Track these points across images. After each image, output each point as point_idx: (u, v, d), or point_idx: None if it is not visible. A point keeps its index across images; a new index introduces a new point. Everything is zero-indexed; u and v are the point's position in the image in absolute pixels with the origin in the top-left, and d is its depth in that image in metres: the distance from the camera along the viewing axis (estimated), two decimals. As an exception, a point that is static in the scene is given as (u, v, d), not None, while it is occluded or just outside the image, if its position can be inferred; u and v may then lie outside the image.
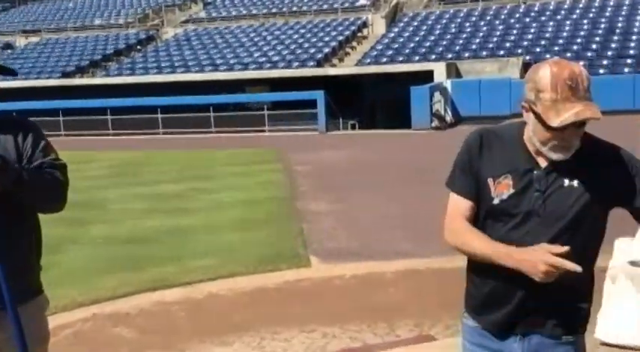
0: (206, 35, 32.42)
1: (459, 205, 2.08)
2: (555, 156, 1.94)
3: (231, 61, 28.35)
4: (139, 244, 7.98)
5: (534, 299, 2.01)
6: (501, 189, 2.00)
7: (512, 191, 1.99)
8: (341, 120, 23.77)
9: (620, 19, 25.62)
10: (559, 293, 2.01)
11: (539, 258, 1.86)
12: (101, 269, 6.92)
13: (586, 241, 2.01)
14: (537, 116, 1.91)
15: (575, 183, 1.97)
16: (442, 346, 4.47)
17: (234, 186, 12.17)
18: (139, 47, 32.90)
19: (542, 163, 2.00)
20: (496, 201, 2.01)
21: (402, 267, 6.61)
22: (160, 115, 24.44)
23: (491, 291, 2.07)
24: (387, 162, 14.63)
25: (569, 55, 23.18)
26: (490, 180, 2.02)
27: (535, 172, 1.99)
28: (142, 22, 36.13)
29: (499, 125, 2.17)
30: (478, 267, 2.09)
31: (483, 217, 2.06)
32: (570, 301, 2.06)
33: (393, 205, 9.77)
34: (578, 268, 1.83)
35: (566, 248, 1.86)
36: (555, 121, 1.85)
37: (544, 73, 1.88)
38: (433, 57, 25.36)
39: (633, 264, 5.31)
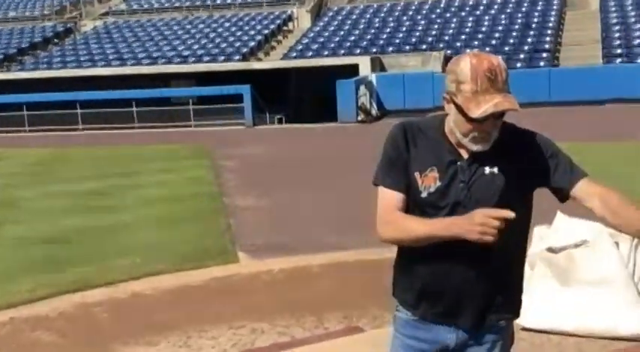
0: (127, 28, 31.59)
1: (391, 199, 2.07)
2: (475, 148, 1.98)
3: (155, 55, 27.75)
4: (59, 244, 7.69)
5: (470, 290, 2.05)
6: (428, 183, 2.03)
7: (438, 184, 2.02)
8: (268, 114, 23.66)
9: (536, 14, 26.54)
10: (493, 282, 2.07)
11: (473, 219, 1.87)
12: (18, 271, 6.62)
13: (514, 227, 2.04)
14: (458, 107, 1.94)
15: (496, 170, 2.01)
16: (370, 337, 4.51)
17: (160, 182, 11.91)
18: (56, 40, 31.71)
19: (465, 154, 2.04)
20: (424, 195, 2.03)
21: (329, 260, 6.63)
22: (79, 110, 23.65)
23: (428, 285, 2.09)
24: (314, 155, 14.66)
25: (488, 49, 23.83)
26: (417, 174, 2.04)
27: (459, 163, 2.03)
28: (59, 15, 34.82)
29: (421, 118, 2.19)
30: (412, 262, 2.11)
31: (411, 211, 2.07)
32: (504, 288, 2.11)
33: (321, 198, 9.79)
34: (511, 214, 1.85)
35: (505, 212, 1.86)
36: (476, 112, 1.88)
37: (464, 65, 1.91)
38: (358, 51, 25.60)
39: (550, 250, 5.51)
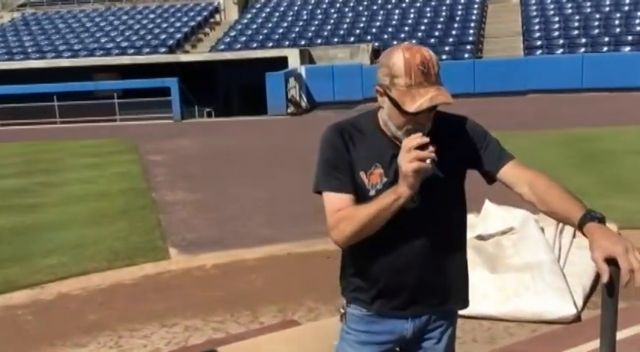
0: (46, 20, 30.47)
1: (340, 201, 2.02)
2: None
3: (76, 47, 26.88)
4: (-21, 245, 7.35)
5: (424, 282, 2.08)
6: (374, 180, 2.03)
7: (385, 180, 2.02)
8: (196, 107, 23.30)
9: (460, 7, 27.11)
10: (444, 272, 2.11)
11: (403, 155, 1.85)
12: None
13: (458, 214, 2.11)
14: (393, 101, 1.93)
15: (435, 157, 2.02)
16: (306, 330, 4.50)
17: (85, 178, 11.56)
18: (-30, 32, 30.28)
19: None
20: (372, 193, 2.03)
21: (263, 254, 6.58)
22: (-3, 106, 22.69)
23: (384, 283, 2.09)
24: (245, 149, 14.54)
25: (414, 41, 24.19)
26: (362, 174, 2.03)
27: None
28: (-27, 5, 33.26)
29: (353, 117, 2.16)
30: (365, 261, 2.10)
31: None
32: (454, 278, 2.15)
33: (253, 192, 9.72)
34: (425, 139, 1.84)
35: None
36: (411, 107, 1.88)
37: (397, 58, 1.90)
38: (287, 43, 25.53)
39: (480, 237, 5.65)
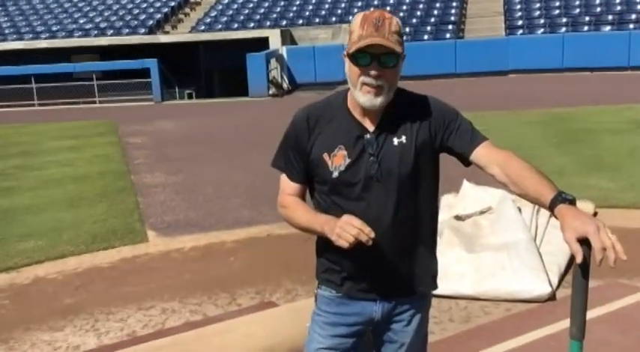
0: (24, 0, 29.91)
1: (288, 186, 2.15)
2: (364, 99, 1.98)
3: (54, 28, 26.46)
4: (-46, 230, 7.26)
5: (392, 264, 2.08)
6: (338, 162, 2.03)
7: (348, 161, 2.02)
8: (177, 89, 23.09)
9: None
10: (412, 254, 2.11)
11: (337, 222, 1.90)
12: None
13: (427, 194, 2.10)
14: (347, 54, 1.98)
15: (404, 139, 2.02)
16: (284, 311, 4.49)
17: (64, 161, 11.43)
18: (-55, 13, 29.67)
19: (370, 127, 2.03)
20: (335, 174, 2.03)
21: (242, 236, 6.56)
22: (-27, 88, 22.34)
23: (355, 264, 2.09)
24: (226, 130, 14.45)
25: (396, 21, 24.10)
26: (325, 156, 2.04)
27: (366, 137, 2.02)
28: (-52, -15, 32.54)
29: (323, 99, 2.18)
30: (333, 246, 2.09)
31: (327, 193, 2.08)
32: (422, 259, 2.14)
33: (233, 174, 9.67)
34: (372, 235, 1.85)
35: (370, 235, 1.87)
36: (353, 49, 1.94)
37: (358, 16, 2.01)
38: (268, 24, 25.30)
39: (458, 218, 5.66)
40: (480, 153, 2.02)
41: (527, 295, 4.47)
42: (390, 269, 2.09)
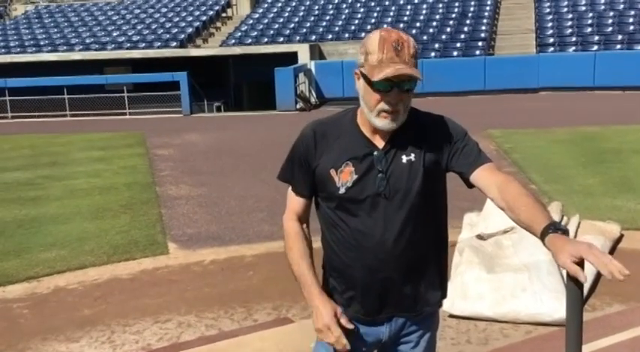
0: (59, 13, 30.56)
1: (294, 202, 2.15)
2: (381, 124, 1.95)
3: (88, 41, 26.93)
4: (-20, 238, 7.36)
5: (397, 285, 2.05)
6: (345, 178, 2.00)
7: (355, 177, 1.99)
8: (206, 102, 23.29)
9: (473, 3, 26.90)
10: (418, 274, 2.07)
11: (322, 318, 1.97)
12: None
13: (435, 213, 2.07)
14: (364, 77, 1.94)
15: (413, 156, 2.00)
16: (299, 328, 4.45)
17: (92, 172, 11.56)
18: (-16, 25, 30.44)
19: (380, 144, 2.01)
20: (342, 191, 2.01)
21: (262, 250, 6.55)
22: (8, 98, 22.77)
23: (359, 285, 2.07)
24: (252, 144, 14.51)
25: (425, 37, 24.09)
26: (332, 171, 2.02)
27: (375, 154, 2.00)
28: (-13, -2, 33.45)
29: (331, 115, 2.17)
30: (339, 264, 2.09)
31: (334, 209, 2.05)
32: (428, 279, 2.10)
33: (256, 188, 9.68)
34: (348, 346, 1.97)
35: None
36: (378, 76, 1.88)
37: (374, 37, 1.94)
38: (297, 38, 25.45)
39: (480, 237, 5.58)
40: (480, 175, 1.98)
41: (548, 318, 4.37)
42: (397, 288, 2.05)
